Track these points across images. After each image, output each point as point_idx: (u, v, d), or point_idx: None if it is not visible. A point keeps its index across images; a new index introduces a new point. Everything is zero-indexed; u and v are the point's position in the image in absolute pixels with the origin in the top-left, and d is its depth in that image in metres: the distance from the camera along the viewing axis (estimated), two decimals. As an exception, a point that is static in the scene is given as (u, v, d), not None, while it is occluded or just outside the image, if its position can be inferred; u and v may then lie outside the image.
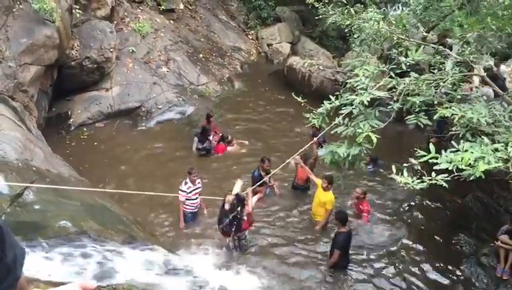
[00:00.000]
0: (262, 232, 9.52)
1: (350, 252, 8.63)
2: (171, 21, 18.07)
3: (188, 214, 9.48)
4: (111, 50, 13.91)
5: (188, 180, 9.33)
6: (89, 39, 13.63)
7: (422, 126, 6.04)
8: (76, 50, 13.33)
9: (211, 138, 12.70)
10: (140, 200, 10.04)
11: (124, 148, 12.91)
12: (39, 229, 6.31)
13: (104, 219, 7.42)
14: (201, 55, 17.61)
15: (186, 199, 9.35)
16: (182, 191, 9.27)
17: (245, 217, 8.50)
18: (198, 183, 9.49)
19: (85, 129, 13.54)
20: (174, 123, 14.41)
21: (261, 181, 9.74)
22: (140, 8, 17.30)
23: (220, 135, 13.06)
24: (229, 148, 12.99)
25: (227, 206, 8.31)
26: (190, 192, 9.32)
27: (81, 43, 13.50)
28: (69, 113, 13.58)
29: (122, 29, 15.68)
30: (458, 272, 8.54)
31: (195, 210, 9.59)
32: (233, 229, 8.33)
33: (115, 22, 15.41)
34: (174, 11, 18.57)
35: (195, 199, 9.47)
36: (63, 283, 1.76)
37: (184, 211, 9.44)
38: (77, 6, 13.19)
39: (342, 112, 6.18)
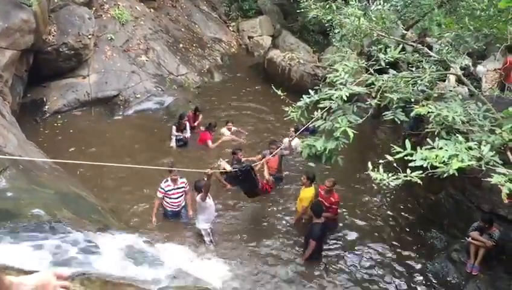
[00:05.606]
0: (235, 224, 9.56)
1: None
2: (152, 10, 17.83)
3: (169, 212, 9.26)
4: (89, 37, 13.67)
5: (169, 178, 9.06)
6: (67, 25, 13.35)
7: (399, 122, 6.12)
8: (53, 35, 13.06)
9: (187, 129, 12.64)
10: (119, 191, 9.98)
11: (100, 136, 12.73)
12: (11, 216, 6.20)
13: (78, 208, 7.34)
14: (181, 46, 17.44)
15: (165, 197, 9.12)
16: (161, 188, 9.03)
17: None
18: (182, 183, 9.13)
19: (60, 117, 13.32)
20: (152, 113, 14.27)
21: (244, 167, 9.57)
22: (120, -6, 17.02)
23: (209, 124, 12.78)
24: (226, 134, 12.87)
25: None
26: (169, 191, 9.04)
27: (58, 28, 13.23)
28: (45, 99, 13.34)
29: (101, 16, 15.41)
30: (429, 267, 8.71)
31: (177, 209, 9.26)
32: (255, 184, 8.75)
33: (94, 8, 15.14)
34: (155, -1, 18.35)
35: (176, 198, 9.17)
36: (35, 272, 1.73)
37: (165, 208, 9.25)
38: (55, -9, 12.96)
39: (320, 106, 6.21)
